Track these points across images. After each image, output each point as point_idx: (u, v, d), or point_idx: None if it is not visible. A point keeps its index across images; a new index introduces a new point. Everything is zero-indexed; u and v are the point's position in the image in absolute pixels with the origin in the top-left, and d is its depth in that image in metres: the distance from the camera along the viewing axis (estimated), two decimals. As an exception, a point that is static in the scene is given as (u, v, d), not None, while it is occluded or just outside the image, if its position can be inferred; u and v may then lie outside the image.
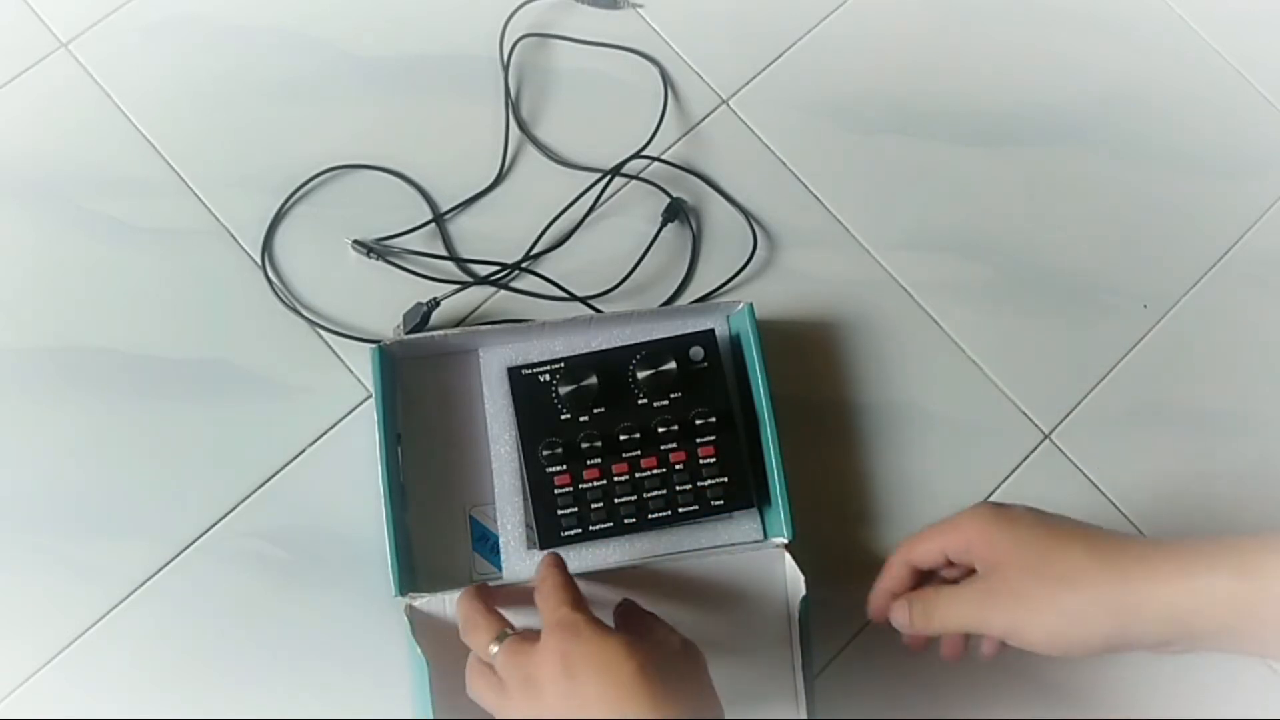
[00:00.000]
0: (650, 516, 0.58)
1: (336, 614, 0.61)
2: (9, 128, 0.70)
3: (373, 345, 0.61)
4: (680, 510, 0.59)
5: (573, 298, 0.69)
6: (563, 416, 0.59)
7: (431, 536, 0.61)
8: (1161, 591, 0.44)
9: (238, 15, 0.74)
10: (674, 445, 0.59)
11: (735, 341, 0.65)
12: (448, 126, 0.73)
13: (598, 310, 0.69)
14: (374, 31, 0.74)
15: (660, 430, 0.59)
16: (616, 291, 0.69)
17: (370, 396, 0.63)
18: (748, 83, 0.76)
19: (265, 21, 0.74)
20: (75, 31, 0.72)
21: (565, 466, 0.59)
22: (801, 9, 0.79)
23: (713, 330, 0.62)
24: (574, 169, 0.72)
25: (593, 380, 0.58)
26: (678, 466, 0.59)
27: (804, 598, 0.58)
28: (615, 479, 0.59)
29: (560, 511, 0.58)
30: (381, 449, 0.58)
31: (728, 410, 0.60)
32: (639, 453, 0.59)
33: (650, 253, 0.70)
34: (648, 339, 0.64)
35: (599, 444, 0.58)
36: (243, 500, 0.63)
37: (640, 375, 0.60)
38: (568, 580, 0.50)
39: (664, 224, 0.71)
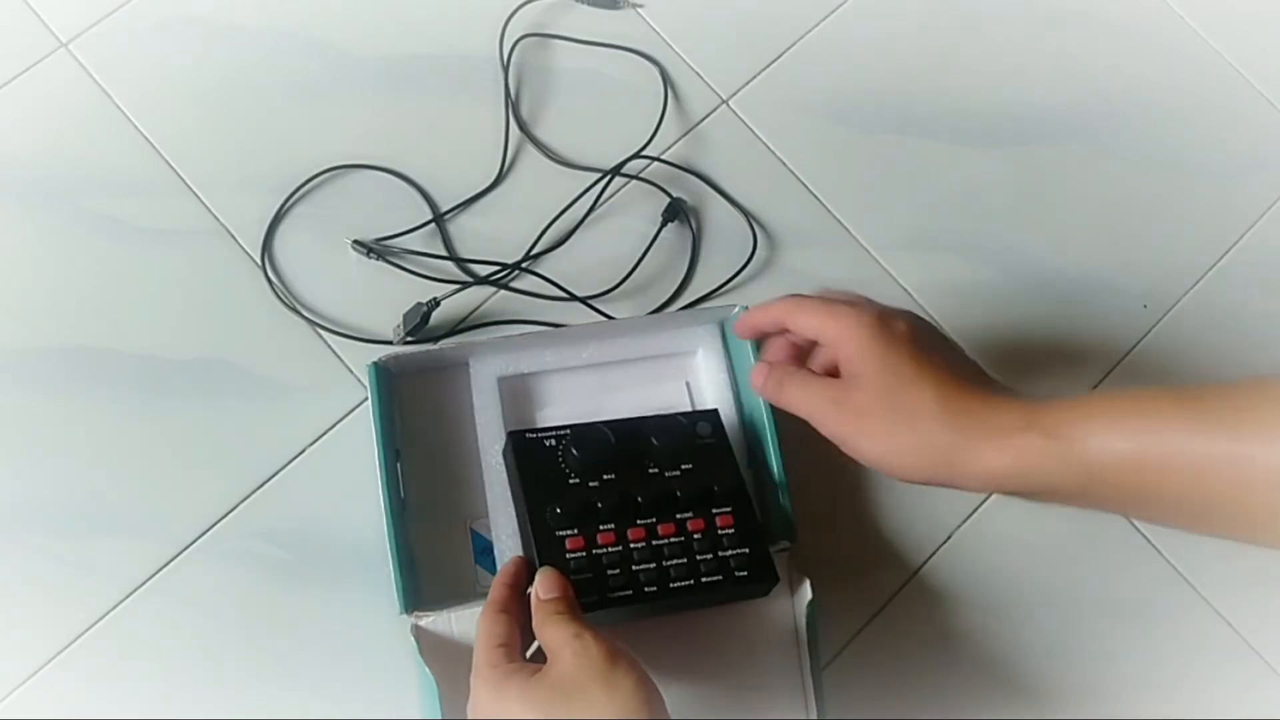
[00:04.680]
0: (672, 585, 0.53)
1: (337, 614, 0.61)
2: (9, 128, 0.70)
3: (369, 363, 0.60)
4: (704, 579, 0.54)
5: (573, 298, 0.69)
6: (571, 481, 0.55)
7: (434, 551, 0.60)
8: (983, 454, 0.46)
9: (238, 15, 0.74)
10: (690, 514, 0.55)
11: (729, 344, 0.65)
12: (448, 126, 0.73)
13: (598, 310, 0.69)
14: (374, 32, 0.74)
15: (676, 496, 0.56)
16: (616, 291, 0.69)
17: (369, 398, 0.63)
18: (748, 83, 0.76)
19: (265, 22, 0.74)
20: (75, 31, 0.72)
21: (576, 530, 0.54)
22: (801, 9, 0.79)
23: (717, 410, 0.60)
24: (574, 169, 0.72)
25: (608, 441, 0.56)
26: (696, 535, 0.55)
27: (810, 601, 0.58)
28: (632, 544, 0.54)
29: (574, 576, 0.52)
30: (381, 465, 0.58)
31: (740, 484, 0.57)
32: (654, 519, 0.55)
33: (650, 253, 0.70)
34: (642, 354, 0.64)
35: (614, 506, 0.54)
36: (243, 500, 0.63)
37: (653, 442, 0.57)
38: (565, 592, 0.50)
39: (664, 224, 0.71)
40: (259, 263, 0.68)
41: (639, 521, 0.54)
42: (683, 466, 0.57)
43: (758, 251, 0.71)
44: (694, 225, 0.72)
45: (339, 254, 0.69)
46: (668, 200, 0.72)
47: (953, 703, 0.63)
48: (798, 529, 0.60)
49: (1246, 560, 0.68)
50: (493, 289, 0.69)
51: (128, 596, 0.61)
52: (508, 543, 0.60)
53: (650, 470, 0.56)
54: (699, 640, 0.57)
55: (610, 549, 0.53)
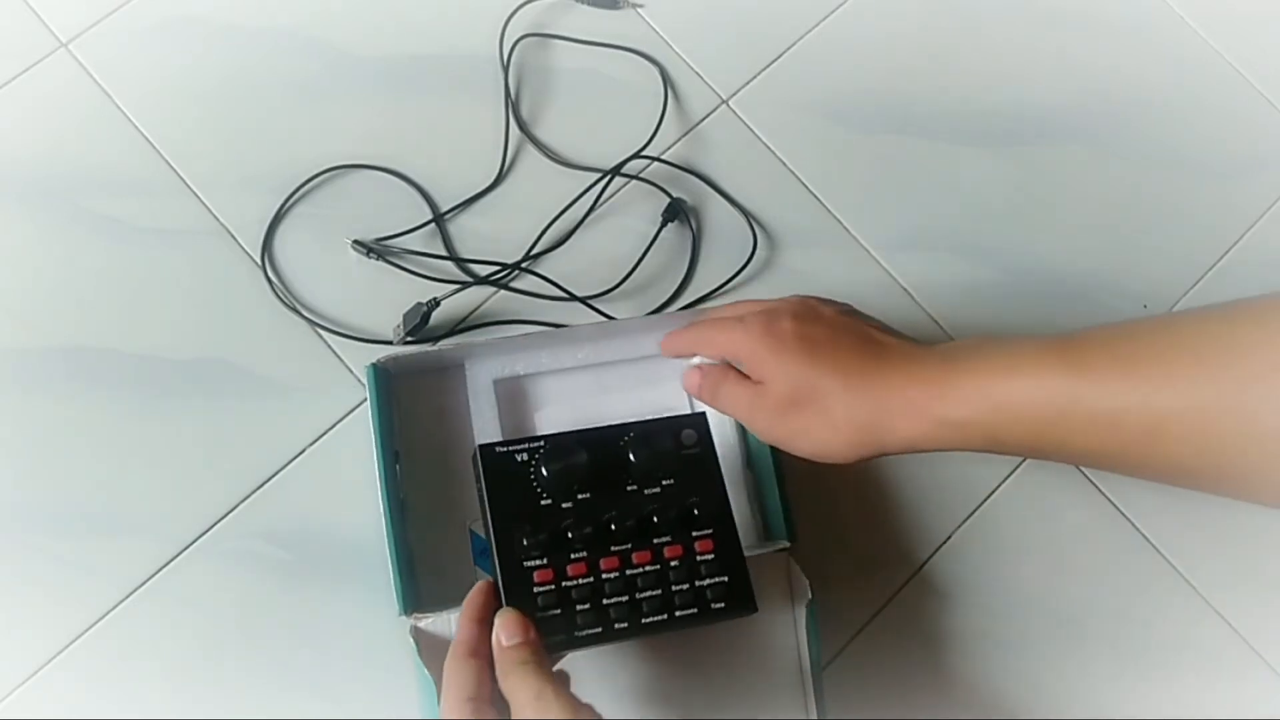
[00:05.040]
0: (644, 620, 0.50)
1: (336, 614, 0.61)
2: (9, 128, 0.70)
3: (368, 365, 0.60)
4: (678, 614, 0.50)
5: (573, 298, 0.69)
6: (543, 501, 0.51)
7: (433, 552, 0.60)
8: (899, 426, 0.49)
9: (238, 15, 0.74)
10: (668, 538, 0.51)
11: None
12: (448, 126, 0.73)
13: (598, 310, 0.69)
14: (374, 32, 0.74)
15: (654, 520, 0.51)
16: (616, 291, 0.69)
17: (368, 399, 0.63)
18: (748, 83, 0.76)
19: (265, 22, 0.74)
20: (75, 31, 0.72)
21: (546, 560, 0.50)
22: (801, 9, 0.79)
23: (704, 414, 0.56)
24: (574, 169, 0.72)
25: (580, 460, 0.51)
26: (673, 563, 0.51)
27: (810, 601, 0.58)
28: (604, 575, 0.50)
29: (540, 613, 0.48)
30: (380, 467, 0.58)
31: (723, 501, 0.53)
32: (630, 546, 0.51)
33: (650, 253, 0.70)
34: (640, 355, 0.64)
35: (587, 533, 0.50)
36: (243, 500, 0.63)
37: (630, 458, 0.53)
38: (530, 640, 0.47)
39: (664, 224, 0.71)
40: (259, 263, 0.68)
41: (613, 549, 0.51)
42: (664, 482, 0.53)
43: (758, 251, 0.71)
44: (694, 225, 0.72)
45: (339, 254, 0.69)
46: (668, 200, 0.72)
47: (953, 703, 0.63)
48: (798, 528, 0.60)
49: (1246, 560, 0.68)
50: (493, 289, 0.69)
51: (128, 596, 0.61)
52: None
53: (629, 488, 0.52)
54: (698, 640, 0.57)
55: (581, 581, 0.50)
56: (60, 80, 0.71)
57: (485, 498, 0.51)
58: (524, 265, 0.69)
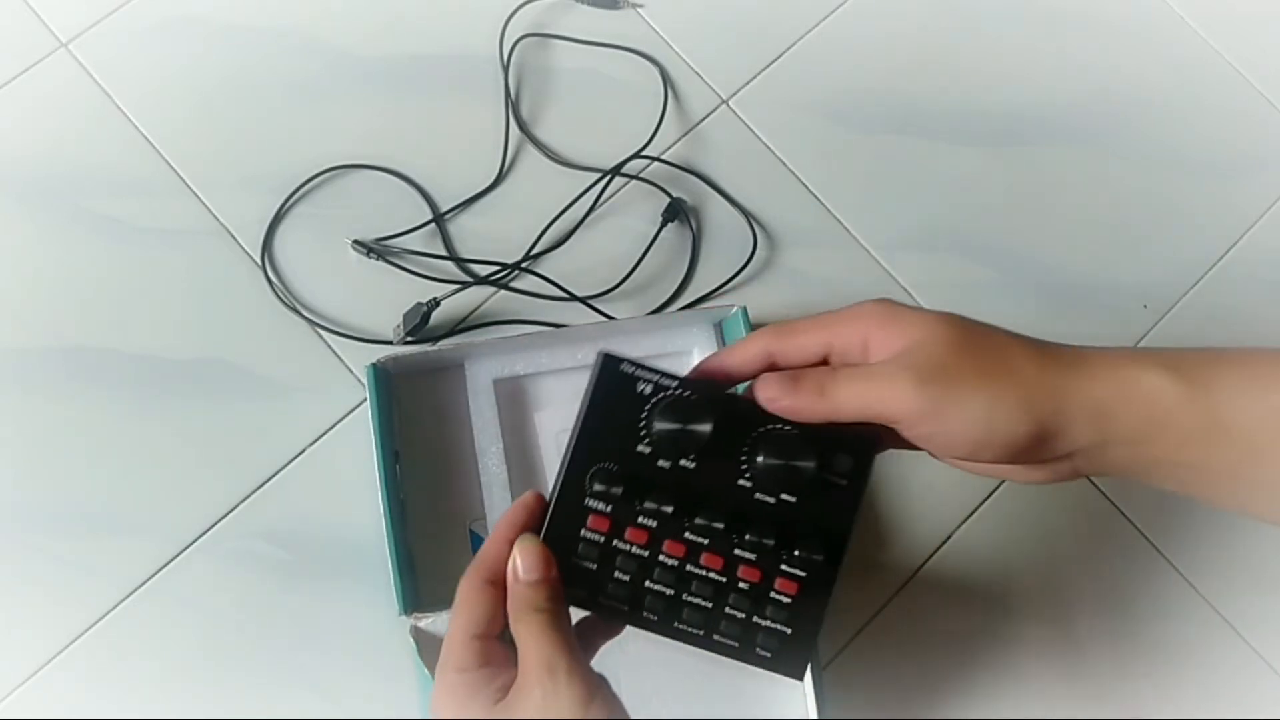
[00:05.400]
0: (677, 625, 0.42)
1: (336, 614, 0.61)
2: (9, 128, 0.70)
3: (368, 365, 0.60)
4: (716, 638, 0.42)
5: (573, 298, 0.69)
6: (640, 447, 0.42)
7: (433, 552, 0.60)
8: (1091, 385, 0.40)
9: (238, 15, 0.74)
10: (752, 557, 0.42)
11: (726, 345, 0.65)
12: (448, 126, 0.73)
13: (598, 310, 0.69)
14: (374, 32, 0.74)
15: (747, 531, 0.42)
16: (616, 291, 0.69)
17: (368, 399, 0.63)
18: (748, 83, 0.76)
19: (265, 22, 0.74)
20: (75, 31, 0.72)
21: (610, 508, 0.42)
22: (801, 9, 0.79)
23: (874, 440, 0.43)
24: (574, 169, 0.72)
25: (700, 431, 0.41)
26: (742, 584, 0.42)
27: None
28: (661, 557, 0.42)
29: (575, 558, 0.41)
30: (380, 467, 0.58)
31: (838, 552, 0.43)
32: (705, 542, 0.42)
33: (650, 253, 0.70)
34: (639, 355, 0.63)
35: (667, 504, 0.42)
36: (243, 500, 0.63)
37: (761, 460, 0.42)
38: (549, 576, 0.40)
39: (664, 224, 0.71)
40: (259, 263, 0.68)
41: (685, 536, 0.42)
42: (783, 496, 0.43)
43: (758, 251, 0.71)
44: (694, 225, 0.72)
45: (339, 254, 0.69)
46: (668, 200, 0.72)
47: (953, 703, 0.63)
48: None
49: (1247, 560, 0.68)
50: (493, 289, 0.69)
51: (128, 596, 0.61)
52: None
53: (741, 481, 0.42)
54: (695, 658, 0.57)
55: (634, 549, 0.42)
56: (60, 80, 0.71)
57: (583, 408, 0.43)
58: (524, 265, 0.69)
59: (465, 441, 0.62)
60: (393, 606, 0.57)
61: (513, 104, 0.73)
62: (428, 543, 0.60)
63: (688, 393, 0.42)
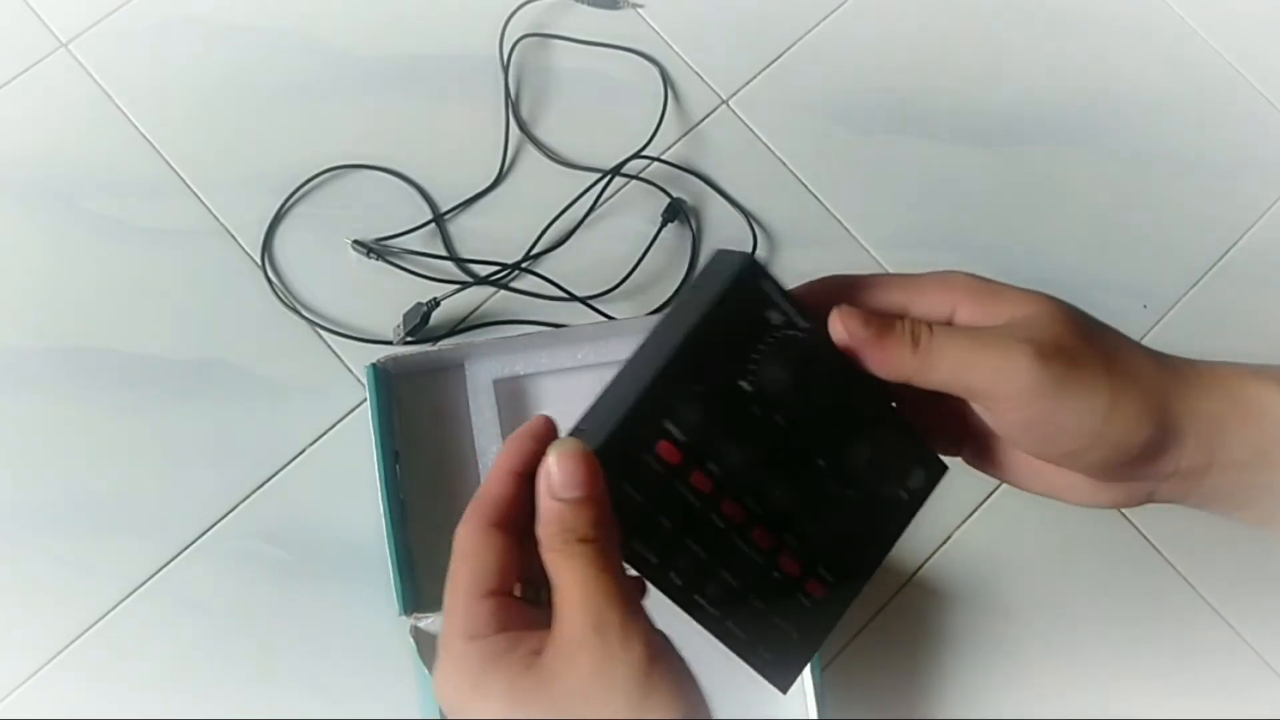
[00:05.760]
0: (695, 598, 0.36)
1: (336, 614, 0.61)
2: (9, 128, 0.70)
3: (368, 365, 0.60)
4: (729, 624, 0.37)
5: (573, 298, 0.69)
6: (742, 382, 0.35)
7: (433, 552, 0.60)
8: (1206, 399, 0.35)
9: (238, 15, 0.74)
10: (800, 547, 0.37)
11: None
12: (448, 126, 0.73)
13: (598, 310, 0.69)
14: (374, 31, 0.74)
15: (803, 520, 0.37)
16: (616, 291, 0.69)
17: (368, 399, 0.63)
18: (748, 83, 0.76)
19: (265, 22, 0.74)
20: (75, 31, 0.72)
21: (687, 439, 0.34)
22: (801, 9, 0.79)
23: (944, 466, 0.40)
24: (574, 169, 0.72)
25: (820, 396, 0.35)
26: (777, 574, 0.37)
27: None
28: (712, 518, 0.35)
29: (626, 485, 0.33)
30: (380, 467, 0.58)
31: (874, 564, 0.40)
32: (760, 516, 0.36)
33: (650, 253, 0.70)
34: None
35: (746, 458, 0.35)
36: (243, 500, 0.63)
37: (851, 447, 0.37)
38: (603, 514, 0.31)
39: (664, 224, 0.71)
40: (259, 263, 0.68)
41: (746, 501, 0.35)
42: (848, 491, 0.38)
43: (757, 251, 0.71)
44: (694, 225, 0.72)
45: (339, 254, 0.69)
46: (668, 200, 0.72)
47: (953, 703, 0.63)
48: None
49: (1247, 561, 0.68)
50: (493, 289, 0.69)
51: (128, 596, 0.61)
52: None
53: (820, 460, 0.37)
54: (697, 637, 0.57)
55: (690, 498, 0.34)
56: (60, 80, 0.71)
57: (699, 312, 0.34)
58: (524, 265, 0.69)
59: (465, 441, 0.62)
60: (393, 606, 0.57)
61: (513, 104, 0.73)
62: (428, 543, 0.60)
63: (812, 343, 0.35)
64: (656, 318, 0.67)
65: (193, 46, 0.73)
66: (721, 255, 0.36)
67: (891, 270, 0.72)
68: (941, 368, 0.33)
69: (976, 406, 0.34)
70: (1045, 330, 0.34)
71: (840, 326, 0.34)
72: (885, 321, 0.34)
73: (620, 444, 0.33)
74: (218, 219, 0.69)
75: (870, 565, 0.39)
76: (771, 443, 0.35)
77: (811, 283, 0.37)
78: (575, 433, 0.33)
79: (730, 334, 0.34)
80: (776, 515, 0.36)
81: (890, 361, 0.34)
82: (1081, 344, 0.34)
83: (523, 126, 0.73)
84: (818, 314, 0.35)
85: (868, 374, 0.35)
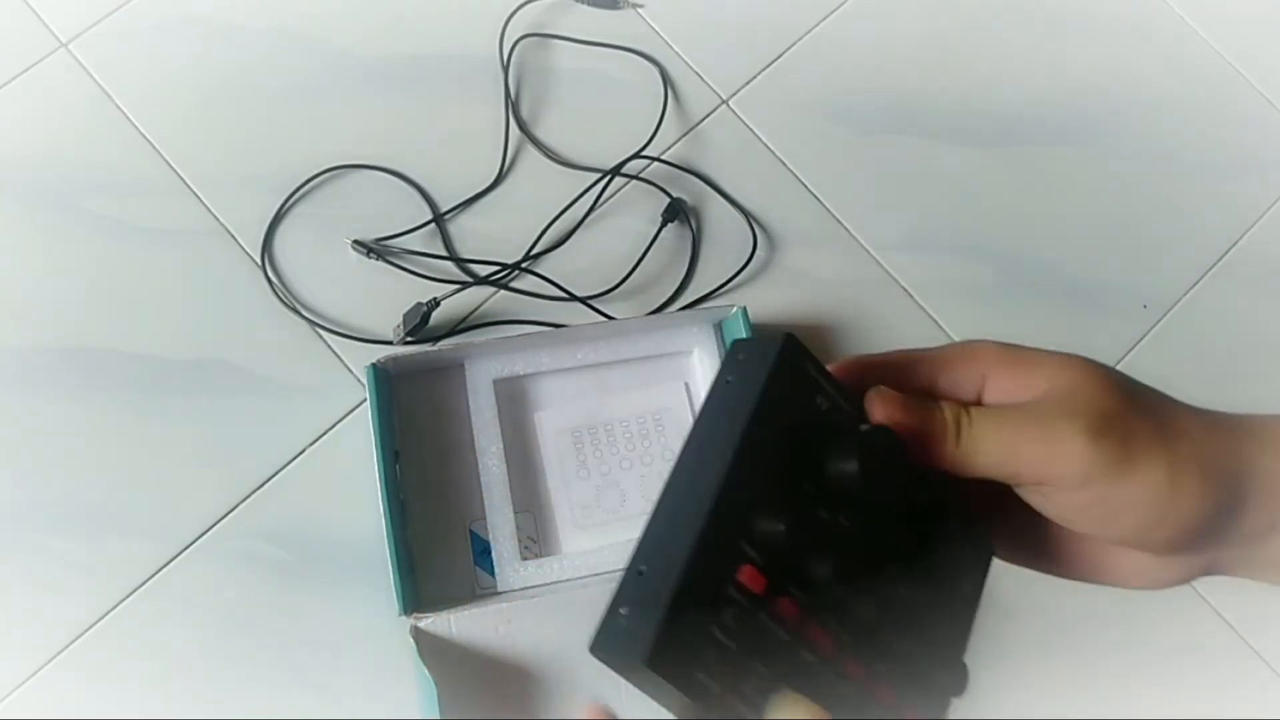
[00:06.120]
0: None
1: (336, 614, 0.61)
2: (9, 128, 0.70)
3: (368, 365, 0.60)
4: None
5: (573, 298, 0.69)
6: (806, 482, 0.29)
7: (433, 552, 0.61)
8: (1267, 455, 0.31)
9: (238, 15, 0.74)
10: (885, 671, 0.31)
11: (725, 345, 0.65)
12: (448, 126, 0.73)
13: (598, 310, 0.69)
14: (374, 31, 0.74)
15: (892, 636, 0.31)
16: (616, 291, 0.69)
17: (368, 399, 0.63)
18: (748, 83, 0.76)
19: (265, 22, 0.74)
20: (75, 31, 0.72)
21: (762, 567, 0.28)
22: (801, 9, 0.79)
23: (990, 550, 0.36)
24: (574, 169, 0.72)
25: (885, 488, 0.29)
26: (874, 706, 0.31)
27: None
28: (802, 652, 0.28)
29: (716, 632, 0.26)
30: (380, 467, 0.58)
31: (963, 678, 0.34)
32: (849, 641, 0.30)
33: (650, 253, 0.70)
34: (639, 355, 0.63)
35: (820, 574, 0.29)
36: (243, 500, 0.63)
37: (915, 546, 0.32)
38: None
39: (664, 224, 0.71)
40: (259, 263, 0.68)
41: (831, 626, 0.29)
42: (921, 596, 0.33)
43: (757, 251, 0.71)
44: (694, 225, 0.72)
45: (339, 254, 0.69)
46: (668, 200, 0.72)
47: (953, 702, 0.63)
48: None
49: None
50: (493, 289, 0.69)
51: (128, 596, 0.61)
52: (506, 544, 0.60)
53: (888, 563, 0.31)
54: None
55: (779, 631, 0.28)
56: (60, 80, 0.71)
57: (750, 408, 0.29)
58: (524, 265, 0.69)
59: (465, 441, 0.62)
60: (393, 606, 0.57)
61: (513, 104, 0.73)
62: (428, 543, 0.60)
63: (871, 432, 0.30)
64: (656, 318, 0.67)
65: (193, 46, 0.73)
66: (744, 344, 0.31)
67: (892, 271, 0.72)
68: (985, 456, 0.30)
69: (1023, 491, 0.31)
70: (1090, 402, 0.30)
71: (881, 414, 0.31)
72: (924, 408, 0.31)
73: (700, 578, 0.26)
74: (218, 219, 0.69)
75: (958, 681, 0.34)
76: (844, 548, 0.29)
77: (837, 365, 0.34)
78: (636, 575, 0.27)
79: (784, 428, 0.29)
80: (861, 637, 0.30)
81: (931, 455, 0.31)
82: (1130, 413, 0.31)
83: (523, 126, 0.73)
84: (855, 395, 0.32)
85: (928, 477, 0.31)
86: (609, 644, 0.26)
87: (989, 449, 0.30)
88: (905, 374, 0.33)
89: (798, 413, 0.30)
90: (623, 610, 0.26)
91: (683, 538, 0.27)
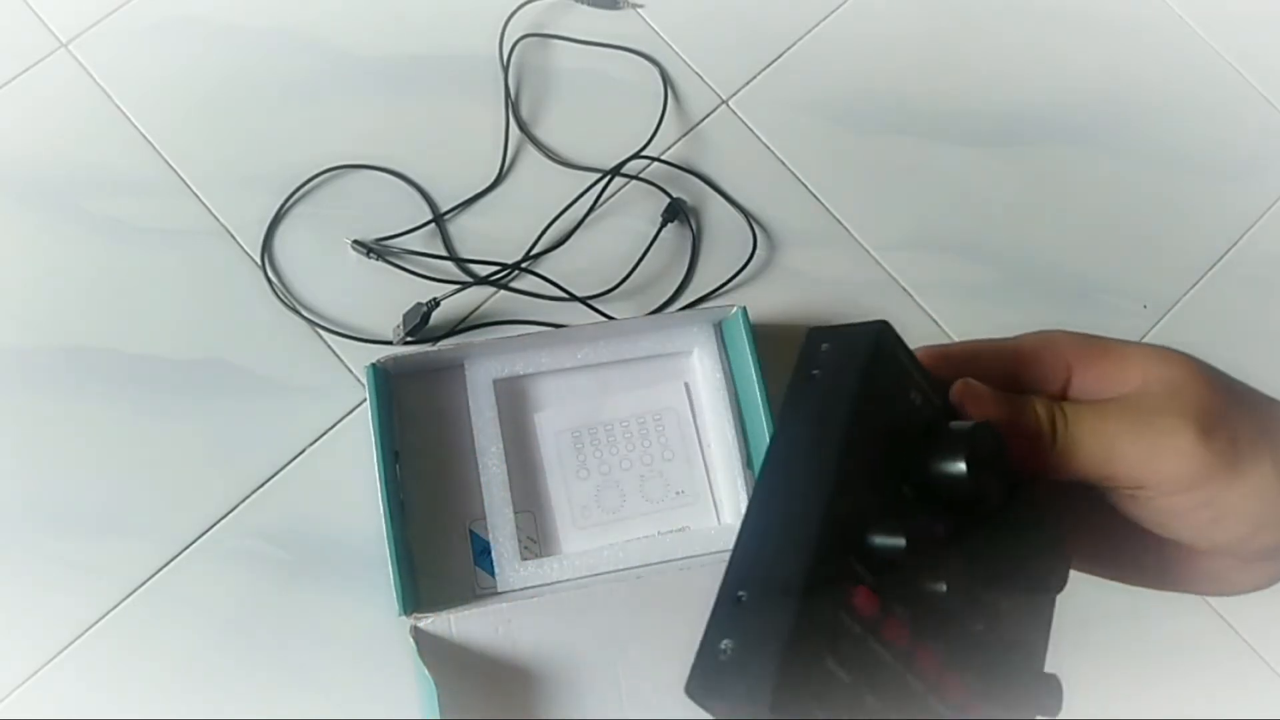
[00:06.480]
0: None
1: (336, 614, 0.61)
2: (9, 128, 0.70)
3: (368, 365, 0.60)
4: None
5: (573, 298, 0.69)
6: (905, 488, 0.27)
7: (433, 553, 0.61)
8: None
9: (238, 15, 0.74)
10: (983, 690, 0.29)
11: (725, 345, 0.65)
12: (448, 126, 0.73)
13: (598, 310, 0.69)
14: (374, 31, 0.74)
15: (986, 651, 0.29)
16: (616, 291, 0.69)
17: (368, 399, 0.63)
18: (748, 83, 0.76)
19: (265, 22, 0.74)
20: (75, 31, 0.72)
21: (875, 587, 0.25)
22: (801, 9, 0.79)
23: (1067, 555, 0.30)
24: (574, 169, 0.72)
25: (988, 492, 0.27)
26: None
27: None
28: (909, 680, 0.26)
29: (832, 664, 0.23)
30: (380, 467, 0.58)
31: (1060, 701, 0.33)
32: (952, 664, 0.27)
33: (650, 253, 0.70)
34: (639, 355, 0.63)
35: (926, 591, 0.26)
36: (243, 500, 0.63)
37: (1012, 554, 0.28)
38: None
39: (664, 224, 0.71)
40: (259, 263, 0.68)
41: (937, 648, 0.27)
42: (1016, 609, 0.31)
43: (757, 251, 0.71)
44: (694, 225, 0.72)
45: (339, 254, 0.69)
46: (668, 200, 0.72)
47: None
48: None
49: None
50: (493, 289, 0.69)
51: (128, 596, 0.61)
52: (506, 544, 0.60)
53: (984, 573, 0.28)
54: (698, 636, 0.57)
55: (888, 658, 0.25)
56: (60, 80, 0.71)
57: (849, 407, 0.26)
58: (524, 265, 0.69)
59: (465, 441, 0.62)
60: (393, 606, 0.57)
61: (513, 104, 0.73)
62: (428, 543, 0.60)
63: (972, 429, 0.27)
64: (656, 318, 0.67)
65: (193, 46, 0.73)
66: (824, 333, 0.28)
67: (892, 271, 0.72)
68: (1084, 457, 0.28)
69: (1114, 495, 0.29)
70: (1197, 398, 0.28)
71: (973, 410, 0.28)
72: (1016, 404, 0.28)
73: (815, 605, 0.23)
74: (218, 219, 0.69)
75: (1054, 698, 0.32)
76: (939, 559, 0.26)
77: (918, 353, 0.31)
78: (734, 603, 0.24)
79: (884, 428, 0.26)
80: (964, 655, 0.28)
81: (1027, 455, 0.28)
82: (1232, 409, 0.28)
83: (523, 126, 0.73)
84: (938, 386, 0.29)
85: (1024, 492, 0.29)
86: (716, 685, 0.23)
87: (1089, 449, 0.28)
88: (986, 366, 0.30)
89: (895, 410, 0.27)
90: (725, 645, 0.23)
91: (791, 560, 0.24)
